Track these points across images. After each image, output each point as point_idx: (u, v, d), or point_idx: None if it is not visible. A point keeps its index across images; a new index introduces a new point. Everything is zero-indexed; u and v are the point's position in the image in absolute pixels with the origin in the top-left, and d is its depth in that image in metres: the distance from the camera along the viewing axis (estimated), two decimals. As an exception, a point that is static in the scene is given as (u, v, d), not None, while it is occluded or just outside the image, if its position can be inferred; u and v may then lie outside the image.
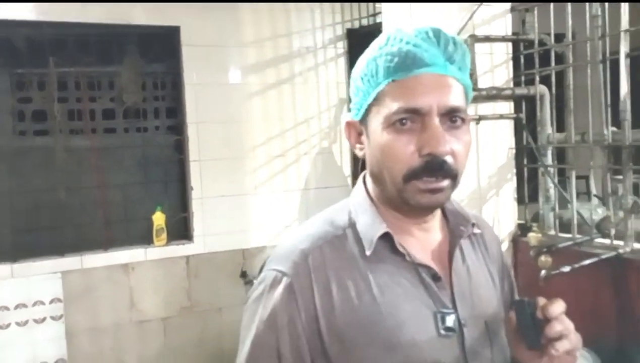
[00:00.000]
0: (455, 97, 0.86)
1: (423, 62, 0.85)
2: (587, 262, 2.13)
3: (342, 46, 3.73)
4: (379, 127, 0.87)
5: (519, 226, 2.70)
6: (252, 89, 3.50)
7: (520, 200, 2.75)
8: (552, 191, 2.66)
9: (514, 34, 2.73)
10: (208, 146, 3.39)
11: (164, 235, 3.32)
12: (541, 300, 0.85)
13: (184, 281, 3.37)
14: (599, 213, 2.61)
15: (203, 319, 3.40)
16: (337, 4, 3.70)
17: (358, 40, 3.78)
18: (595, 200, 2.72)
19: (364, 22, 3.73)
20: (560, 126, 2.70)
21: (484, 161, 2.60)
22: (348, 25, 3.75)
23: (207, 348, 3.38)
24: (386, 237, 0.89)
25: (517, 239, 2.65)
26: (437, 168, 0.84)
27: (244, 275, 3.44)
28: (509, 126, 2.68)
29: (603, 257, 2.15)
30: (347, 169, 3.74)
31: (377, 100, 0.88)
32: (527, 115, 2.71)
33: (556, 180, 2.65)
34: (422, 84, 0.85)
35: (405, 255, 0.89)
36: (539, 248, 2.20)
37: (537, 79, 2.65)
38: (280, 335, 0.84)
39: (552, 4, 2.53)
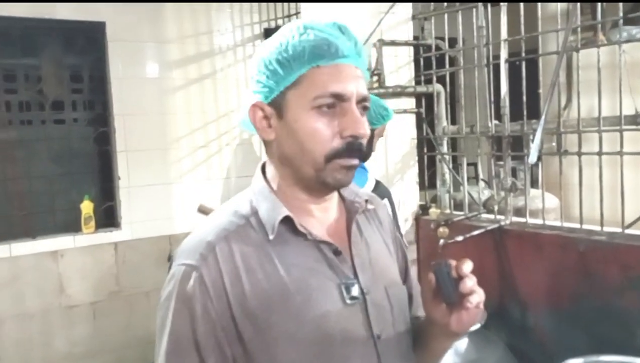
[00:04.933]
0: (365, 87, 0.94)
1: (342, 53, 0.92)
2: (475, 232, 2.57)
3: (260, 44, 3.98)
4: (301, 109, 0.91)
5: (420, 206, 3.10)
6: (175, 83, 3.68)
7: (421, 186, 3.15)
8: (447, 176, 3.09)
9: (414, 38, 3.12)
10: (134, 137, 3.54)
11: (92, 223, 3.44)
12: (453, 262, 0.93)
13: (112, 267, 3.50)
14: (486, 194, 3.08)
15: (131, 303, 3.55)
16: (255, 4, 3.95)
17: (274, 39, 4.05)
18: (482, 183, 3.18)
19: (280, 22, 4.01)
20: (454, 119, 3.14)
21: (391, 150, 2.97)
22: (265, 25, 4.01)
23: (134, 331, 3.54)
24: (287, 221, 0.93)
25: (419, 218, 3.06)
26: (357, 148, 0.92)
27: (170, 259, 3.61)
28: (411, 119, 3.08)
29: (488, 228, 2.59)
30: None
31: (296, 84, 0.91)
32: (426, 110, 3.11)
33: (450, 166, 3.08)
34: (342, 72, 0.91)
35: (307, 235, 0.94)
36: (438, 221, 2.60)
37: (434, 78, 3.06)
38: (196, 325, 0.87)
39: (446, 14, 2.95)
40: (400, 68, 3.03)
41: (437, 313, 0.96)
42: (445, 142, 3.09)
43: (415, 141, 3.09)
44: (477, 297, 0.92)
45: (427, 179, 3.17)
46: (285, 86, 0.92)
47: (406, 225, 3.00)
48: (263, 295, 0.88)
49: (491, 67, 2.74)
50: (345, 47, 0.92)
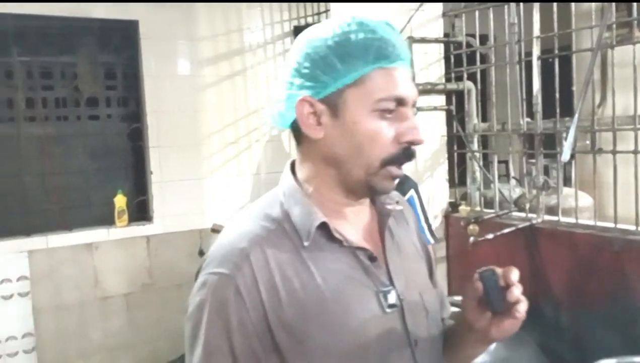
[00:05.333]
0: (416, 92, 0.92)
1: (400, 55, 0.88)
2: (506, 230, 2.56)
3: (289, 42, 4.01)
4: (361, 110, 0.87)
5: (450, 204, 3.10)
6: (207, 80, 3.72)
7: (450, 183, 3.15)
8: (477, 173, 3.08)
9: (445, 35, 3.11)
10: (166, 133, 3.60)
11: (125, 217, 3.51)
12: (499, 270, 0.91)
13: (145, 260, 3.57)
14: (517, 192, 3.06)
15: (163, 295, 3.61)
16: (285, 3, 3.97)
17: (304, 37, 4.08)
18: (513, 181, 3.16)
19: (310, 20, 4.03)
20: (484, 117, 3.12)
21: (421, 147, 2.96)
22: (295, 23, 4.03)
23: (167, 322, 3.60)
24: (322, 226, 0.89)
25: (449, 215, 3.06)
26: (412, 155, 0.90)
27: (201, 253, 3.68)
28: (441, 117, 3.07)
29: (520, 226, 2.57)
30: (294, 156, 4.03)
31: (357, 83, 0.87)
32: (457, 107, 3.10)
33: (481, 163, 3.06)
34: (402, 75, 0.88)
35: (343, 241, 0.90)
36: (468, 219, 2.60)
37: (465, 76, 3.05)
38: (232, 338, 0.83)
39: (477, 11, 2.93)
40: (430, 65, 3.03)
41: (481, 321, 0.93)
42: (475, 140, 3.08)
43: (446, 138, 3.08)
44: (524, 305, 0.90)
45: (457, 176, 3.16)
46: (345, 84, 0.87)
47: (435, 222, 3.00)
48: (300, 305, 0.85)
49: (523, 64, 2.72)
50: (402, 50, 0.89)
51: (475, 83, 3.03)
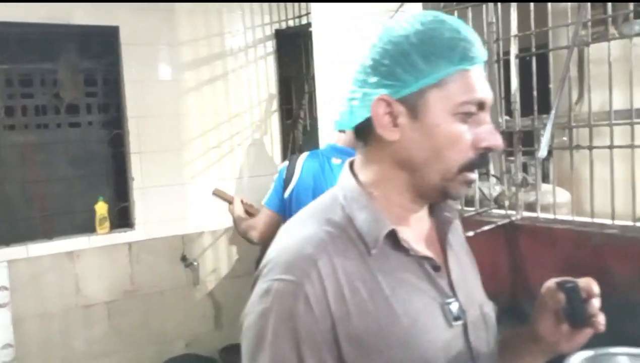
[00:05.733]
0: None
1: (481, 57, 0.85)
2: (486, 227, 2.56)
3: (271, 45, 4.03)
4: (443, 113, 0.83)
5: (432, 203, 3.10)
6: (188, 84, 3.72)
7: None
8: (458, 172, 3.09)
9: (424, 36, 3.13)
10: (147, 139, 3.58)
11: (107, 224, 3.48)
12: (580, 281, 0.90)
13: (127, 266, 3.54)
14: (497, 189, 3.07)
15: (146, 302, 3.59)
16: (266, 6, 3.98)
17: (285, 40, 4.09)
18: (493, 179, 3.17)
19: (291, 23, 4.04)
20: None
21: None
22: (276, 26, 4.04)
23: (150, 329, 3.57)
24: (388, 233, 0.85)
25: (431, 214, 3.06)
26: (488, 161, 0.88)
27: (184, 259, 3.66)
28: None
29: (499, 223, 2.58)
30: (277, 159, 4.04)
31: (440, 84, 0.83)
32: (438, 107, 3.11)
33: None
34: (481, 78, 0.85)
35: (409, 250, 0.86)
36: (448, 217, 2.60)
37: (445, 75, 3.06)
38: (302, 349, 0.78)
39: (456, 11, 2.95)
40: (410, 66, 3.03)
41: (556, 334, 0.92)
42: (456, 139, 3.08)
43: (426, 138, 3.08)
44: (603, 317, 0.89)
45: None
46: (426, 84, 0.83)
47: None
48: (369, 317, 0.80)
49: (501, 62, 2.74)
50: (482, 51, 0.85)
51: (454, 83, 3.05)
